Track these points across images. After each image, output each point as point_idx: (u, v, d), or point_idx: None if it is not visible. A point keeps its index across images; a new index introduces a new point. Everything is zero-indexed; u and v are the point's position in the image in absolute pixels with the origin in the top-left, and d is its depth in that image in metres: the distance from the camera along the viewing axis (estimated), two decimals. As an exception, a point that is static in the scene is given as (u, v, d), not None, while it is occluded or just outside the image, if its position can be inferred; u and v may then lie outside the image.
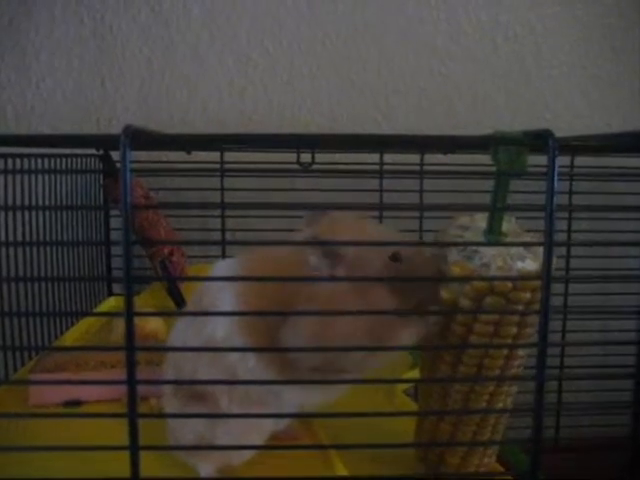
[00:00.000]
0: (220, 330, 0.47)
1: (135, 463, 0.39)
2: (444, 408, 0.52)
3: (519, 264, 0.45)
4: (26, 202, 0.76)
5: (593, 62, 1.15)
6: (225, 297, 0.47)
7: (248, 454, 0.50)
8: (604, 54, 1.15)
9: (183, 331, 0.51)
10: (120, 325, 0.71)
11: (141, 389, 0.56)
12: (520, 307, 0.46)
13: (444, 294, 0.48)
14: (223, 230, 1.01)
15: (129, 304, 0.38)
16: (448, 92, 1.14)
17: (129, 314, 0.38)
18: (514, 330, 0.47)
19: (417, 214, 0.94)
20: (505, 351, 0.49)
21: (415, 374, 0.70)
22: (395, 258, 0.46)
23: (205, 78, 1.11)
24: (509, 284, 0.45)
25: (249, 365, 0.47)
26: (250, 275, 0.48)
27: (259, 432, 0.50)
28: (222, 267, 0.51)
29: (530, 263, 0.45)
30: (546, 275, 0.38)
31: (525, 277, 0.45)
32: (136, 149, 0.38)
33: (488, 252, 0.46)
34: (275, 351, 0.46)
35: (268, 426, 0.51)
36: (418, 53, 1.13)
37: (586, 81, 1.15)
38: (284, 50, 1.12)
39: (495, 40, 1.13)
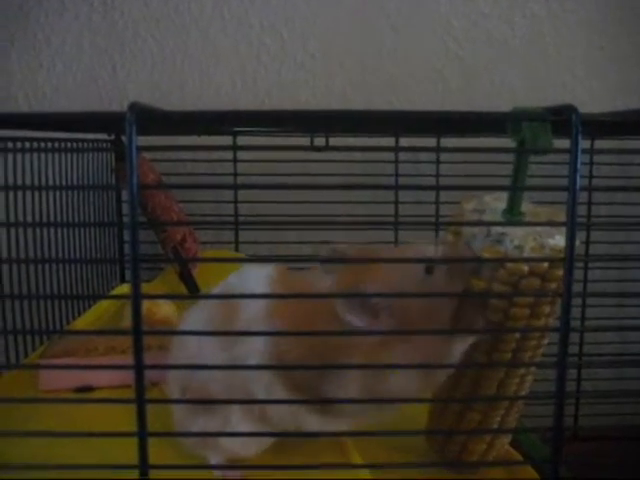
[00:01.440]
0: (253, 359, 0.45)
1: (143, 449, 0.38)
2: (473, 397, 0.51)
3: (551, 242, 0.44)
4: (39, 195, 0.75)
5: (612, 42, 1.12)
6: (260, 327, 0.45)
7: (257, 448, 0.49)
8: (623, 34, 1.11)
9: (202, 338, 0.48)
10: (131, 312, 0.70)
11: (153, 374, 0.56)
12: (554, 285, 0.44)
13: (475, 283, 0.46)
14: (236, 215, 1.00)
15: (136, 286, 0.37)
16: (465, 74, 1.11)
17: (136, 296, 0.37)
18: (548, 309, 0.46)
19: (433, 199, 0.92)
20: (538, 333, 0.47)
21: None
22: (429, 270, 0.44)
23: (217, 63, 1.10)
24: (545, 263, 0.44)
25: (274, 395, 0.45)
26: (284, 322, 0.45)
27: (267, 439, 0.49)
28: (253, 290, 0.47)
29: (560, 239, 0.43)
30: (569, 255, 0.37)
31: (543, 258, 0.43)
32: (143, 131, 0.37)
33: (517, 233, 0.44)
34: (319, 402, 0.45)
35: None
36: (434, 34, 1.10)
37: (605, 62, 1.12)
38: (297, 33, 1.10)
39: (513, 20, 1.10)
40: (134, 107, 0.37)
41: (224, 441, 0.48)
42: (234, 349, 0.45)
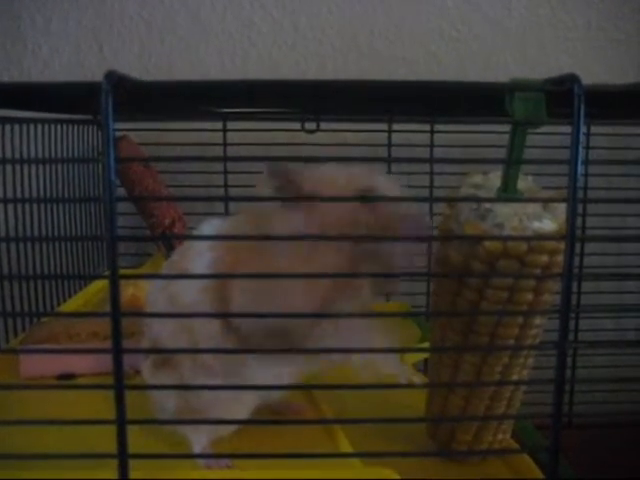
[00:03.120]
0: (188, 295, 0.45)
1: (122, 437, 0.36)
2: (454, 381, 0.49)
3: (535, 224, 0.42)
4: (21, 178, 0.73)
5: (612, 24, 1.09)
6: (202, 261, 0.45)
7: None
8: (624, 15, 1.09)
9: (154, 295, 0.49)
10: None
11: (136, 361, 0.54)
12: (537, 271, 0.43)
13: (453, 255, 0.44)
14: (226, 199, 0.98)
15: (114, 265, 0.35)
16: (460, 56, 1.09)
17: (114, 276, 0.35)
18: (530, 297, 0.44)
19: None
20: (520, 320, 0.46)
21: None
22: (366, 197, 0.39)
23: (207, 43, 1.07)
24: (524, 246, 0.42)
25: (211, 333, 0.44)
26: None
27: (241, 402, 0.47)
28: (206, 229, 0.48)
29: (548, 223, 0.42)
30: (570, 233, 0.35)
31: (543, 237, 0.42)
32: (127, 114, 0.35)
33: (503, 211, 0.42)
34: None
35: (249, 396, 0.48)
36: (428, 15, 1.08)
37: (604, 44, 1.10)
38: (288, 14, 1.07)
39: (509, 0, 1.08)
40: (111, 76, 0.35)
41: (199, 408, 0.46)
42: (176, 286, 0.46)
